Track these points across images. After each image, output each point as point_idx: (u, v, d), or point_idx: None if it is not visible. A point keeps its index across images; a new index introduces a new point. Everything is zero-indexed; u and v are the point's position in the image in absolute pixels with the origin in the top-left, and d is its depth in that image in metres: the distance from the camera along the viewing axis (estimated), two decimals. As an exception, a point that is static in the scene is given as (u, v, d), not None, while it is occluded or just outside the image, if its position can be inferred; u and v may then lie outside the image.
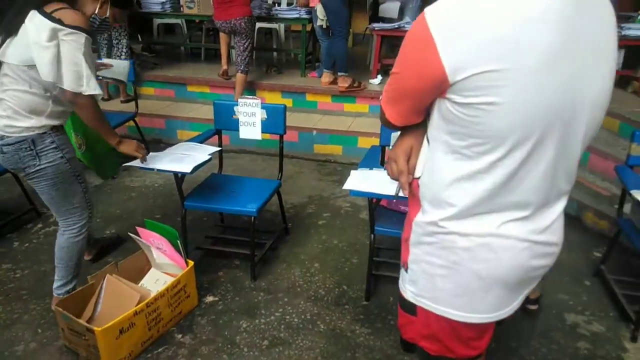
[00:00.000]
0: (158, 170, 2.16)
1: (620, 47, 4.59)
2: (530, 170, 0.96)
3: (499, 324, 1.19)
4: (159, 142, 4.25)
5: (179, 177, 2.31)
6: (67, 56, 1.77)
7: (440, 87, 0.93)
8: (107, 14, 2.01)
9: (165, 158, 2.23)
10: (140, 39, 6.04)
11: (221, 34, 4.42)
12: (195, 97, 4.73)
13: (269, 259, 2.59)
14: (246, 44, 4.13)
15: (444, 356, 1.21)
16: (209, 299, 2.29)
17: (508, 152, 0.93)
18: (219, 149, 2.45)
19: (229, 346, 2.00)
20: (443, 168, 1.02)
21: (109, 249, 2.62)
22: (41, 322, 2.11)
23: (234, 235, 2.78)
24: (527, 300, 2.17)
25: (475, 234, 1.02)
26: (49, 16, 1.75)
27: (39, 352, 1.95)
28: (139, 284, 2.16)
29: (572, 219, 3.04)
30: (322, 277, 2.46)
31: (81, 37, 1.79)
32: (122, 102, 4.63)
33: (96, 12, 1.96)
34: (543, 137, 0.92)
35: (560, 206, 1.06)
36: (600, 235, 2.86)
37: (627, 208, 2.35)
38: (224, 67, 4.53)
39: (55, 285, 2.10)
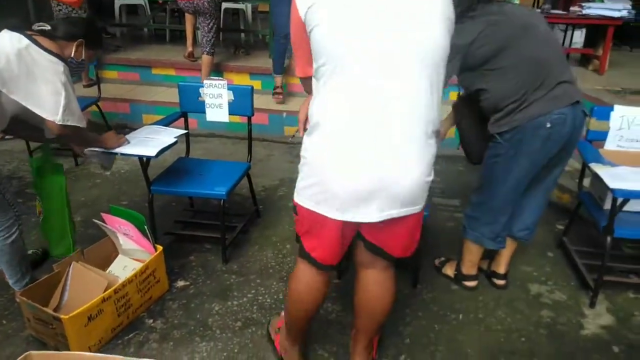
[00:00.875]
0: (121, 154, 2.11)
1: (580, 26, 4.71)
2: (357, 96, 1.21)
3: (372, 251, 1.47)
4: (123, 127, 4.13)
5: (144, 161, 2.26)
6: (46, 84, 1.75)
7: (303, 27, 1.23)
8: (83, 56, 1.97)
9: (130, 142, 2.18)
10: (102, 21, 5.83)
11: (186, 15, 4.31)
12: (160, 80, 4.61)
13: (240, 242, 2.58)
14: (211, 24, 4.04)
15: (311, 256, 1.48)
16: (180, 283, 2.27)
17: (332, 72, 1.22)
18: (185, 131, 2.41)
19: (202, 329, 1.99)
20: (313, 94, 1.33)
21: (33, 265, 2.23)
22: (5, 313, 2.05)
23: (204, 220, 2.75)
24: (495, 275, 2.25)
25: (329, 148, 1.27)
26: (28, 36, 1.75)
27: (3, 343, 1.90)
28: (107, 271, 2.12)
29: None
30: (294, 258, 2.46)
31: (59, 66, 1.78)
32: (84, 86, 4.46)
33: (72, 55, 1.92)
34: (360, 68, 1.19)
35: (399, 139, 1.24)
36: (564, 208, 2.96)
37: (587, 182, 2.44)
38: (190, 48, 4.42)
39: (10, 282, 2.04)
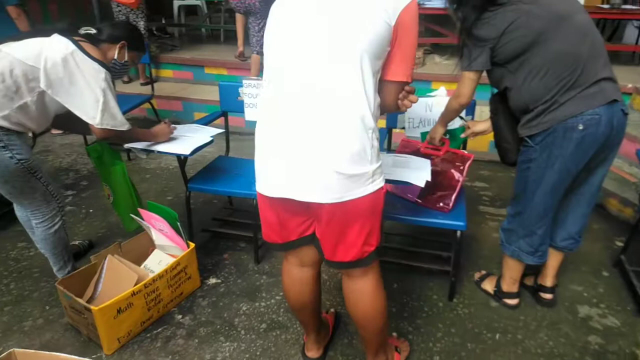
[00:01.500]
0: (158, 152, 2.16)
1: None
2: (281, 86, 1.31)
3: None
4: (176, 125, 4.25)
5: (182, 159, 2.30)
6: (87, 89, 1.84)
7: None
8: (126, 58, 2.06)
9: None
10: (163, 21, 6.07)
11: (237, 15, 4.37)
12: (212, 79, 4.71)
13: (275, 242, 2.57)
14: (261, 24, 4.06)
15: (269, 241, 1.56)
16: (212, 280, 2.29)
17: (266, 64, 1.36)
18: (222, 131, 2.43)
19: (227, 328, 2.00)
20: None
21: (78, 256, 2.41)
22: (49, 299, 2.16)
23: (240, 218, 2.77)
24: (542, 289, 2.09)
25: (257, 131, 1.40)
26: (74, 42, 1.85)
27: (45, 328, 2.01)
28: (143, 265, 2.18)
29: (595, 206, 2.88)
30: (327, 261, 2.42)
31: (101, 72, 1.87)
32: (141, 84, 4.68)
33: (115, 57, 2.02)
34: (284, 60, 1.30)
35: (313, 127, 1.27)
36: (625, 223, 2.70)
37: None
38: (240, 48, 4.48)
39: (54, 270, 2.15)
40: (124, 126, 1.99)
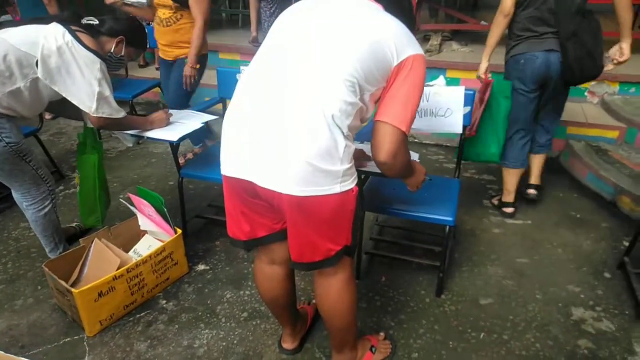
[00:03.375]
0: (148, 138, 2.16)
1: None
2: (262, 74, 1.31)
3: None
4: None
5: (173, 145, 2.30)
6: (82, 79, 1.86)
7: None
8: (123, 53, 2.08)
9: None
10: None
11: (251, 0, 4.34)
12: (226, 65, 4.70)
13: (268, 231, 2.56)
14: (272, 9, 4.03)
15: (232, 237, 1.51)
16: (201, 267, 2.31)
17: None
18: (215, 117, 2.41)
19: (208, 315, 2.00)
20: None
21: (75, 238, 2.42)
22: (42, 279, 2.22)
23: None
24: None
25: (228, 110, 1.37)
26: (72, 32, 1.87)
27: (33, 307, 2.06)
28: (133, 249, 2.20)
29: (606, 203, 2.75)
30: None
31: (96, 63, 1.88)
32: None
33: (112, 50, 2.03)
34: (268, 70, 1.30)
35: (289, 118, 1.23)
36: (636, 223, 2.56)
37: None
38: (254, 33, 4.46)
39: (46, 251, 2.20)
40: (120, 114, 2.01)
